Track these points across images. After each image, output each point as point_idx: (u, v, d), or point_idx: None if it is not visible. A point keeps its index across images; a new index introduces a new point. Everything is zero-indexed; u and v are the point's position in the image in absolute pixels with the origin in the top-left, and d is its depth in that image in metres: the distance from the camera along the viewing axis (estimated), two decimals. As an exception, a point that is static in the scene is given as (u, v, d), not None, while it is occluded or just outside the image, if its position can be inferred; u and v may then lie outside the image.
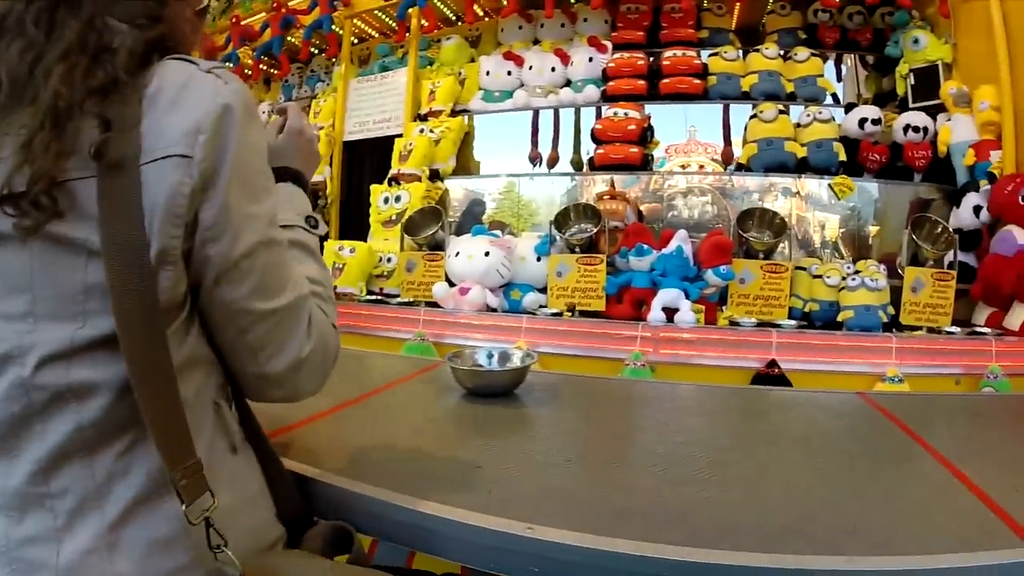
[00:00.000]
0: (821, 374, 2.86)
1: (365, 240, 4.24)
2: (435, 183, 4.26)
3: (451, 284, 3.50)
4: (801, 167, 3.84)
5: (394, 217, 4.12)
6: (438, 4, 4.93)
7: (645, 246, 3.16)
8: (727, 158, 4.36)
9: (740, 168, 3.96)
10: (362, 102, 4.96)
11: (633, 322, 3.06)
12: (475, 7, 4.63)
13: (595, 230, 3.30)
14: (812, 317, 3.25)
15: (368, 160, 5.01)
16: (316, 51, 5.50)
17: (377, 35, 5.64)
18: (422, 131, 4.34)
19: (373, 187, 4.35)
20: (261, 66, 5.72)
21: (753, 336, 2.94)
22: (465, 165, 4.62)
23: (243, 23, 5.50)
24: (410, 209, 4.04)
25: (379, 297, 3.89)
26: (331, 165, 4.93)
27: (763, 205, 3.61)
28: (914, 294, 3.17)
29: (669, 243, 3.21)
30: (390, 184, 4.30)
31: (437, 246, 3.73)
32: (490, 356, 1.56)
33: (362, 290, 3.90)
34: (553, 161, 4.40)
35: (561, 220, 3.45)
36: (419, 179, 4.20)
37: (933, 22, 4.24)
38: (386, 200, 4.20)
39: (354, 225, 4.92)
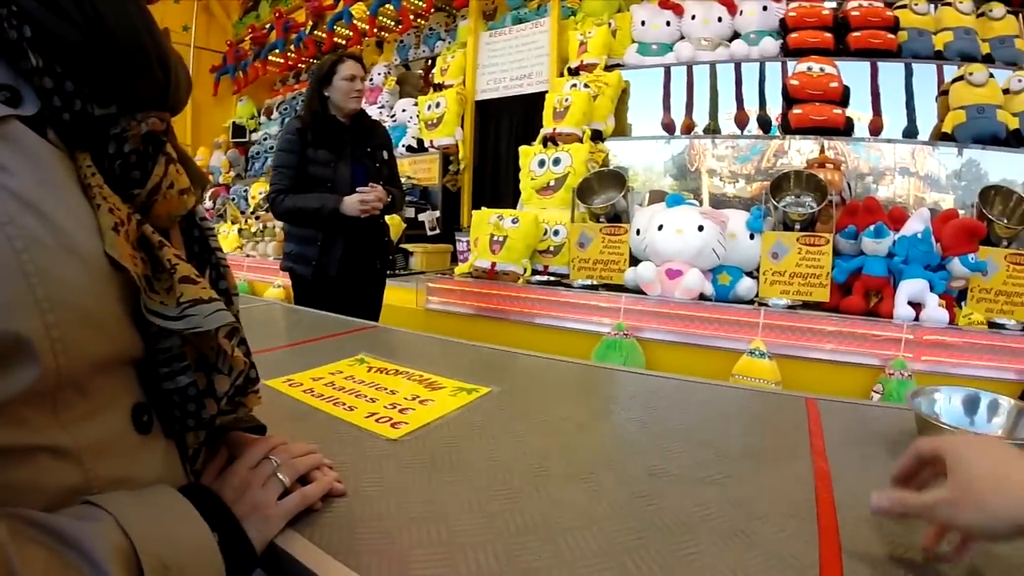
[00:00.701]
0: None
1: (513, 207, 3.91)
2: (598, 144, 3.90)
3: (635, 263, 3.16)
4: (1009, 140, 3.43)
5: (553, 183, 3.77)
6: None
7: (884, 226, 2.79)
8: (875, 129, 3.94)
9: (944, 138, 3.56)
10: (495, 58, 4.60)
11: (882, 320, 2.70)
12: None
13: (819, 205, 2.94)
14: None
15: (505, 120, 4.66)
16: (441, 6, 5.10)
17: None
18: (575, 86, 3.96)
19: (523, 149, 3.99)
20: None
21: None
22: (621, 126, 4.23)
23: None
24: (572, 173, 3.69)
25: (548, 278, 3.54)
26: (463, 127, 4.57)
27: (1007, 187, 3.18)
28: None
29: (906, 223, 2.85)
30: (545, 145, 3.94)
31: (616, 217, 3.38)
32: (972, 406, 1.08)
33: (527, 269, 3.53)
34: (743, 121, 3.99)
35: (774, 190, 3.08)
36: (579, 139, 3.84)
37: None
38: (542, 163, 3.84)
39: (491, 191, 4.60)
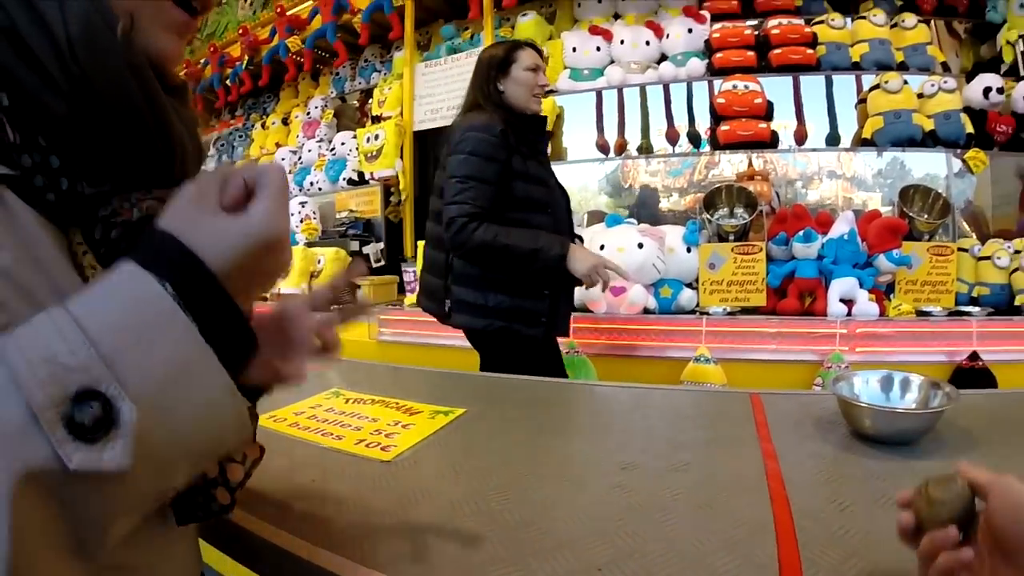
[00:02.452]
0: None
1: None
2: (536, 172, 3.96)
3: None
4: (925, 141, 3.61)
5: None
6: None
7: (812, 231, 2.91)
8: (800, 138, 4.10)
9: (865, 143, 3.72)
10: (432, 88, 4.65)
11: (817, 318, 2.83)
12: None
13: (751, 216, 3.05)
14: (981, 302, 3.04)
15: (444, 149, 4.68)
16: (377, 36, 5.15)
17: (434, 18, 5.31)
18: (511, 116, 4.03)
19: (462, 179, 4.03)
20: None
21: (949, 326, 2.74)
22: (556, 150, 4.31)
23: (289, 12, 5.17)
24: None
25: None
26: (402, 158, 4.61)
27: (924, 185, 3.36)
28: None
29: (833, 226, 2.98)
30: (484, 174, 3.99)
31: (557, 241, 3.44)
32: (888, 385, 1.23)
33: (475, 293, 3.56)
34: (674, 138, 4.10)
35: (707, 205, 3.19)
36: (518, 167, 3.90)
37: (1032, -15, 4.05)
38: (482, 192, 3.89)
39: (432, 222, 4.63)
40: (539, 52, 2.23)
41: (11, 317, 0.44)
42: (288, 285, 4.30)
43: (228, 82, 6.07)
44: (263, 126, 6.21)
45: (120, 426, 0.41)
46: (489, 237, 1.91)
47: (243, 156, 6.33)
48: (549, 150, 3.59)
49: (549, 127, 2.10)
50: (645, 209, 4.05)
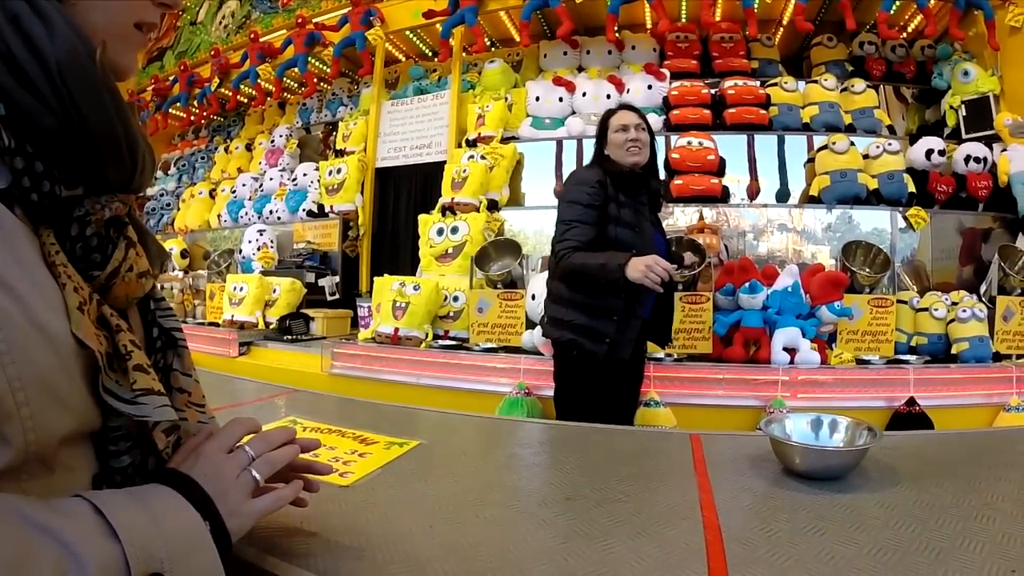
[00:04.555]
0: (959, 409, 2.81)
1: (411, 274, 3.98)
2: (493, 213, 4.03)
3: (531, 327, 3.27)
4: (870, 199, 3.78)
5: (451, 250, 3.87)
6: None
7: (758, 283, 3.01)
8: (752, 192, 4.25)
9: (812, 200, 3.87)
10: (397, 126, 4.73)
11: (762, 366, 2.90)
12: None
13: (699, 267, 3.13)
14: (919, 351, 3.18)
15: (404, 188, 4.75)
16: (345, 72, 5.22)
17: (404, 57, 5.41)
18: (472, 157, 4.11)
19: (422, 217, 4.09)
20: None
21: (888, 374, 2.85)
22: (515, 195, 4.39)
23: (262, 39, 5.21)
24: (470, 241, 3.81)
25: (449, 342, 3.60)
26: (363, 193, 4.65)
27: (866, 240, 3.51)
28: (1006, 323, 3.16)
29: (777, 279, 3.08)
30: (443, 214, 4.05)
31: (512, 283, 3.49)
32: (818, 426, 1.30)
33: (428, 334, 3.59)
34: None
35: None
36: (476, 209, 3.97)
37: (975, 54, 4.28)
38: (440, 231, 3.95)
39: (390, 257, 4.66)
40: (635, 111, 2.49)
41: None
42: (242, 312, 4.28)
43: (196, 102, 6.05)
44: (226, 149, 6.22)
45: None
46: (578, 261, 2.22)
47: (204, 178, 6.30)
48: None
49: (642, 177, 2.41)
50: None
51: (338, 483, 1.13)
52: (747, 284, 3.03)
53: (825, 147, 3.84)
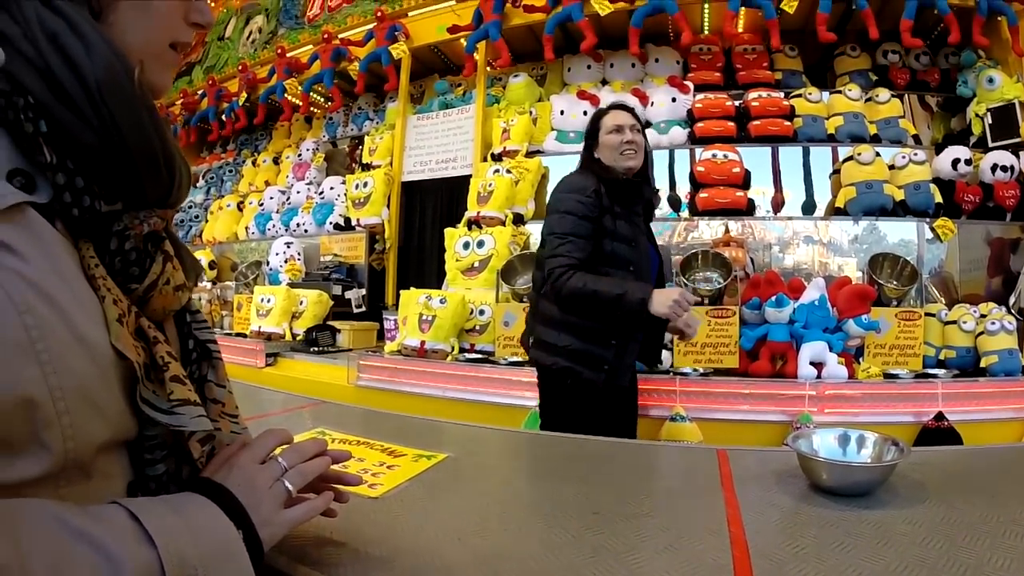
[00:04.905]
0: (989, 423, 2.78)
1: (437, 288, 4.01)
2: (519, 227, 4.06)
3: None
4: (896, 210, 3.76)
5: (477, 264, 3.90)
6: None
7: (785, 296, 3.00)
8: (777, 205, 4.23)
9: (838, 212, 3.86)
10: (422, 140, 4.78)
11: (788, 380, 2.89)
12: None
13: (725, 281, 3.14)
14: (948, 364, 3.16)
15: (430, 201, 4.80)
16: (372, 85, 5.29)
17: (419, 75, 5.47)
18: (497, 171, 4.15)
19: (448, 231, 4.13)
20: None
21: (916, 388, 2.82)
22: (540, 209, 4.41)
23: (289, 54, 5.29)
24: (496, 255, 3.83)
25: (475, 355, 3.62)
26: (389, 206, 4.70)
27: (893, 252, 3.49)
28: (1036, 334, 3.11)
29: (804, 292, 3.07)
30: (469, 228, 4.09)
31: (540, 296, 3.51)
32: (845, 441, 1.31)
33: (455, 347, 3.61)
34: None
35: (683, 268, 3.28)
36: (502, 223, 4.01)
37: (1000, 61, 4.24)
38: (466, 245, 3.98)
39: (415, 270, 4.70)
40: (628, 109, 2.34)
41: (38, 321, 0.54)
42: (269, 323, 4.34)
43: (223, 116, 6.15)
44: (254, 163, 6.31)
45: None
46: (580, 284, 2.05)
47: (232, 190, 6.39)
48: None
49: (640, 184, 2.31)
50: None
51: (367, 495, 1.15)
52: (773, 298, 3.01)
53: (850, 158, 3.81)
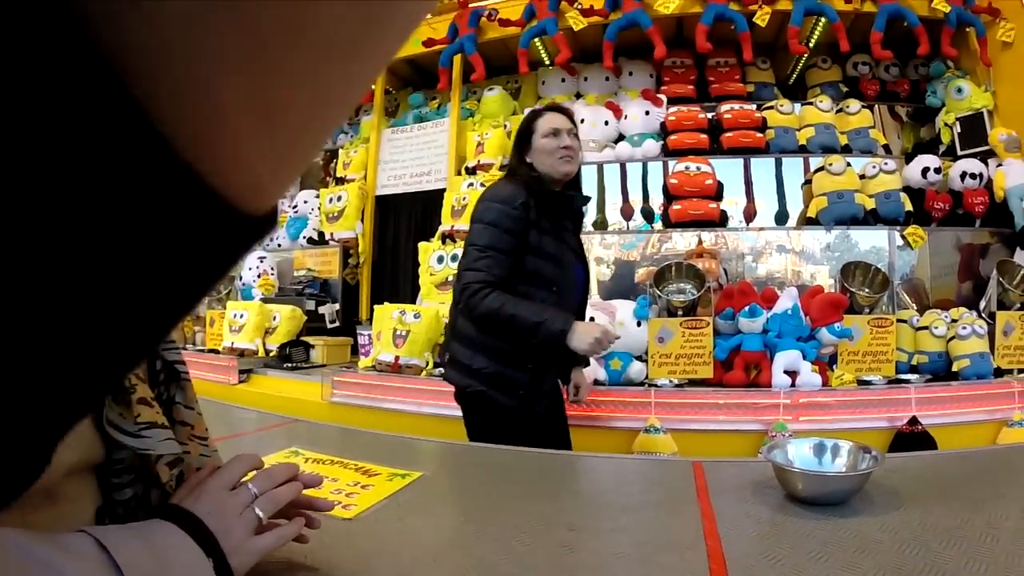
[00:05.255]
0: (962, 426, 2.82)
1: (411, 302, 3.98)
2: (493, 241, 4.04)
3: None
4: (867, 219, 3.80)
5: (451, 278, 3.86)
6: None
7: (758, 306, 3.01)
8: (749, 215, 4.27)
9: (810, 221, 3.89)
10: (397, 154, 4.75)
11: (763, 390, 2.91)
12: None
13: (699, 292, 3.14)
14: (920, 369, 3.19)
15: (405, 215, 4.78)
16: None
17: (393, 88, 5.47)
18: (471, 185, 4.13)
19: (422, 245, 4.11)
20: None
21: (889, 394, 2.85)
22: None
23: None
24: (468, 270, 3.81)
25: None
26: (363, 221, 4.67)
27: (864, 260, 3.52)
28: (1006, 337, 3.16)
29: (777, 302, 3.08)
30: (443, 242, 4.07)
31: (513, 309, 3.49)
32: (820, 451, 1.31)
33: (429, 362, 3.57)
34: (628, 214, 4.24)
35: (657, 280, 3.28)
36: (476, 236, 3.98)
37: (968, 71, 4.32)
38: (440, 259, 3.96)
39: (389, 285, 4.67)
40: (565, 112, 2.23)
41: None
42: (242, 339, 4.28)
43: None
44: (227, 179, 6.23)
45: None
46: (496, 305, 1.93)
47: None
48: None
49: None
50: (597, 280, 4.14)
51: (342, 515, 1.12)
52: (747, 308, 3.03)
53: (821, 168, 3.85)
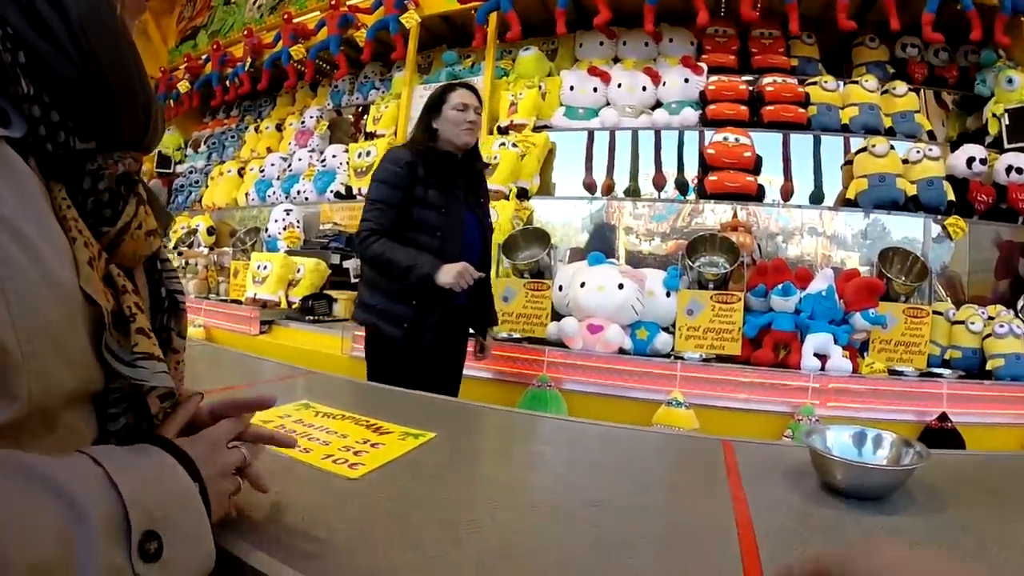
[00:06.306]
0: (992, 427, 2.73)
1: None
2: (523, 202, 3.99)
3: (557, 318, 3.23)
4: (908, 205, 3.70)
5: (475, 237, 3.83)
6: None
7: (792, 285, 2.94)
8: (785, 193, 4.16)
9: (848, 203, 3.79)
10: (428, 111, 4.67)
11: (791, 371, 2.83)
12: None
13: (732, 266, 3.07)
14: (953, 365, 3.11)
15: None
16: (379, 54, 5.19)
17: (427, 45, 5.37)
18: (503, 145, 4.07)
19: (450, 203, 4.05)
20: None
21: (921, 387, 2.76)
22: (545, 185, 4.34)
23: (296, 20, 5.19)
24: (497, 229, 3.75)
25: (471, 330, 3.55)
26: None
27: (903, 247, 3.42)
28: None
29: (811, 282, 3.00)
30: (471, 201, 4.02)
31: (539, 273, 3.44)
32: (861, 440, 1.22)
33: (451, 319, 3.54)
34: (661, 184, 4.15)
35: (689, 251, 3.21)
36: (506, 196, 3.93)
37: (1020, 62, 4.17)
38: (468, 218, 3.90)
39: (417, 243, 4.63)
40: (475, 92, 2.51)
41: (5, 258, 0.51)
42: (265, 291, 4.28)
43: (227, 81, 6.05)
44: (256, 129, 6.24)
45: (163, 558, 0.57)
46: (379, 250, 2.28)
47: (233, 156, 6.32)
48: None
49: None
50: (626, 250, 4.08)
51: (347, 475, 1.08)
52: (780, 286, 2.94)
53: (864, 149, 3.75)
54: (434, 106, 2.45)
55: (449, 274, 2.23)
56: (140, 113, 0.68)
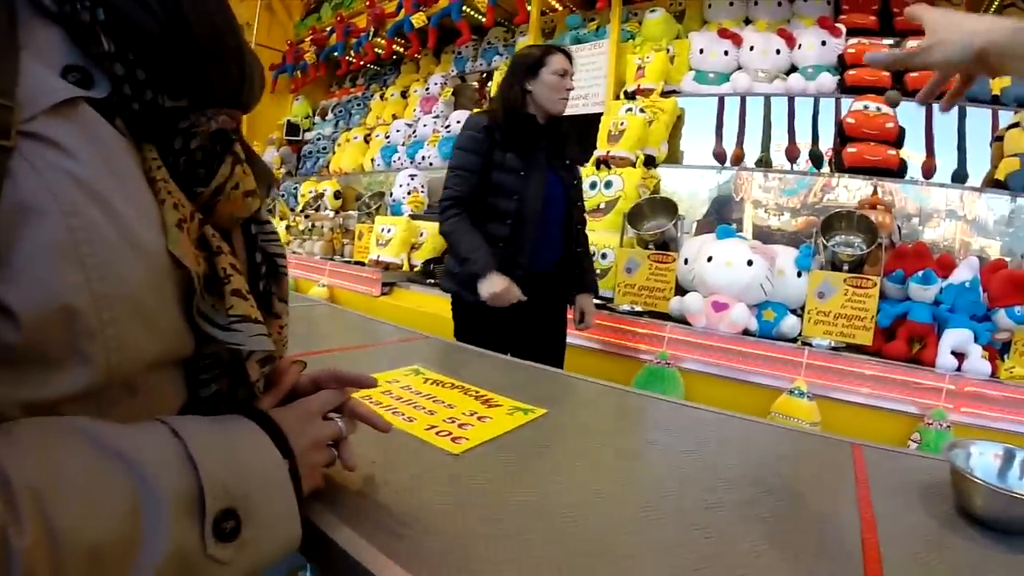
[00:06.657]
0: None
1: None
2: (650, 170, 3.95)
3: (681, 293, 3.19)
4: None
5: (603, 205, 3.82)
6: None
7: (932, 273, 2.79)
8: (928, 170, 3.84)
9: (996, 184, 3.54)
10: (552, 77, 4.66)
11: (924, 368, 2.66)
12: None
13: (869, 247, 2.94)
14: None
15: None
16: (502, 19, 5.19)
17: (560, 7, 5.31)
18: (630, 110, 4.02)
19: (575, 170, 4.06)
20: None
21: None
22: (674, 152, 4.27)
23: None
24: (623, 197, 3.74)
25: (596, 302, 3.55)
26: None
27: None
28: None
29: (954, 271, 2.83)
30: (598, 167, 4.00)
31: (664, 245, 3.41)
32: (1009, 461, 1.09)
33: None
34: (794, 155, 4.01)
35: (824, 229, 3.09)
36: (632, 164, 3.89)
37: None
38: (593, 185, 3.89)
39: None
40: (570, 58, 2.45)
41: (84, 222, 0.50)
42: (388, 253, 4.43)
43: (352, 51, 6.21)
44: (382, 97, 6.41)
45: (241, 537, 0.57)
46: (448, 229, 2.36)
47: (359, 123, 6.52)
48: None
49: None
50: (753, 224, 3.97)
51: (449, 449, 1.05)
52: (921, 273, 2.78)
53: (1016, 125, 3.46)
54: (532, 68, 2.39)
55: (488, 289, 2.24)
56: (233, 67, 0.66)
